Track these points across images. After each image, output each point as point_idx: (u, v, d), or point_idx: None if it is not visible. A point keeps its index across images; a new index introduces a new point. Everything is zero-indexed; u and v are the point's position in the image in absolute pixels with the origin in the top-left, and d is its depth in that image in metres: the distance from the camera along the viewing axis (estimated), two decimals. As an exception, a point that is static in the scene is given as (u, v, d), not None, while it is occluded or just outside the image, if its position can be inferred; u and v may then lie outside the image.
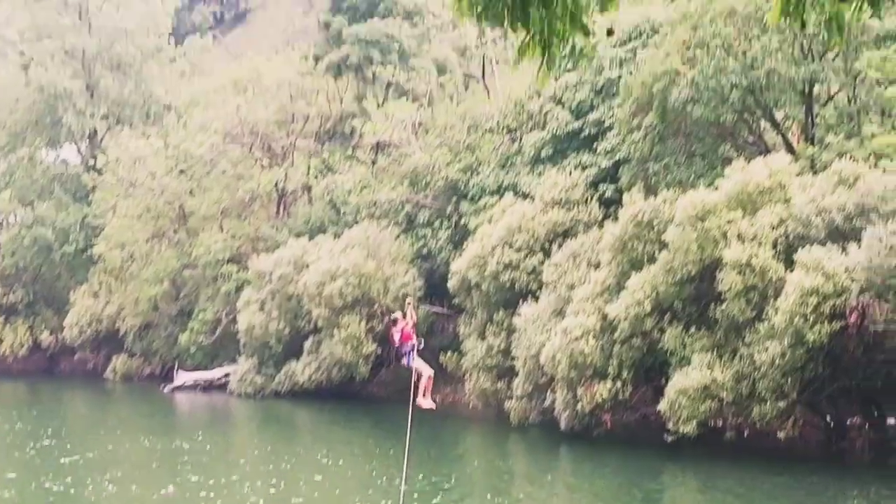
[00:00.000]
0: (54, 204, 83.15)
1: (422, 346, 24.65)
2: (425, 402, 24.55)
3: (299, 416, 54.40)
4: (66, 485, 34.11)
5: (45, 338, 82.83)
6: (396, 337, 24.41)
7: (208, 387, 65.91)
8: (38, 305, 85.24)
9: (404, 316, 24.54)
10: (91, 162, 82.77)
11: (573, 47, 10.70)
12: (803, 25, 10.74)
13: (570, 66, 49.06)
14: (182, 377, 67.32)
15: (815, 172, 37.24)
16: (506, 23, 10.14)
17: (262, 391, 60.29)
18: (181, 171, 73.06)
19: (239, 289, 63.84)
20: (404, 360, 24.70)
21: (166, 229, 73.76)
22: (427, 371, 24.56)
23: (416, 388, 24.38)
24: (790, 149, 40.81)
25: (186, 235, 71.88)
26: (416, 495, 25.88)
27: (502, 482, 35.28)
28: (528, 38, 10.28)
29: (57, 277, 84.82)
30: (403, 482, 22.56)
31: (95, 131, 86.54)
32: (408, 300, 25.66)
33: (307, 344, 58.11)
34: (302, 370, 57.67)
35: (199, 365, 68.83)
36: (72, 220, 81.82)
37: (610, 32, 44.59)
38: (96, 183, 77.34)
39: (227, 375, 64.72)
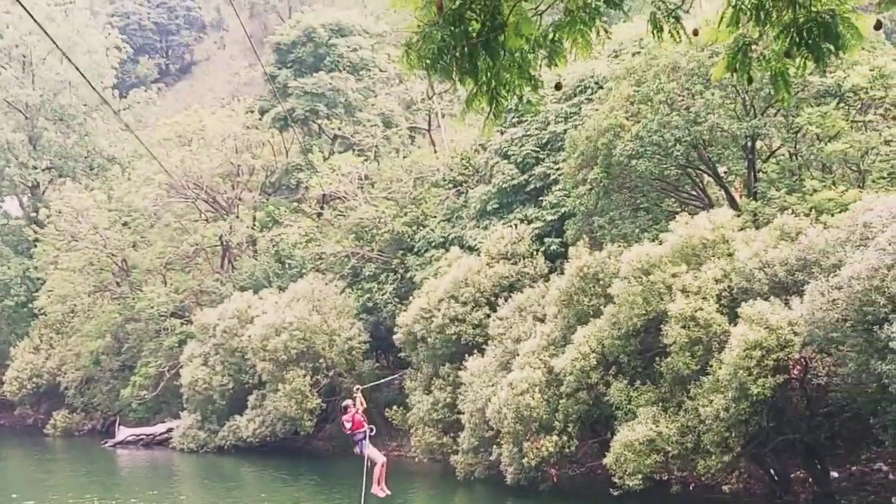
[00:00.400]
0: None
1: (373, 433, 24.60)
2: (380, 492, 24.48)
3: (244, 472, 53.70)
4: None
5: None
6: (347, 425, 24.41)
7: (150, 442, 65.03)
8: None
9: (354, 403, 24.55)
10: (33, 215, 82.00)
11: (520, 98, 10.76)
12: (750, 80, 10.87)
13: (515, 120, 49.47)
14: (124, 433, 66.39)
15: (757, 227, 37.59)
16: (454, 74, 10.18)
17: (206, 446, 59.56)
18: (124, 224, 72.57)
19: (182, 343, 63.22)
20: (356, 449, 24.72)
21: (109, 282, 72.96)
22: (380, 459, 24.56)
23: (377, 478, 24.34)
24: (733, 203, 41.20)
25: (129, 289, 71.17)
26: (371, 427, 25.53)
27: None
28: (475, 89, 10.33)
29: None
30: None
31: (38, 184, 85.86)
32: (356, 388, 25.63)
33: (251, 398, 57.55)
34: (246, 425, 57.04)
35: (142, 420, 67.99)
36: (13, 273, 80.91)
37: (558, 87, 45.17)
38: (38, 235, 76.59)
39: (169, 430, 63.91)
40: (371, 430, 24.85)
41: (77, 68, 16.45)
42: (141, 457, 61.52)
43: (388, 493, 24.86)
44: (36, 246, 78.05)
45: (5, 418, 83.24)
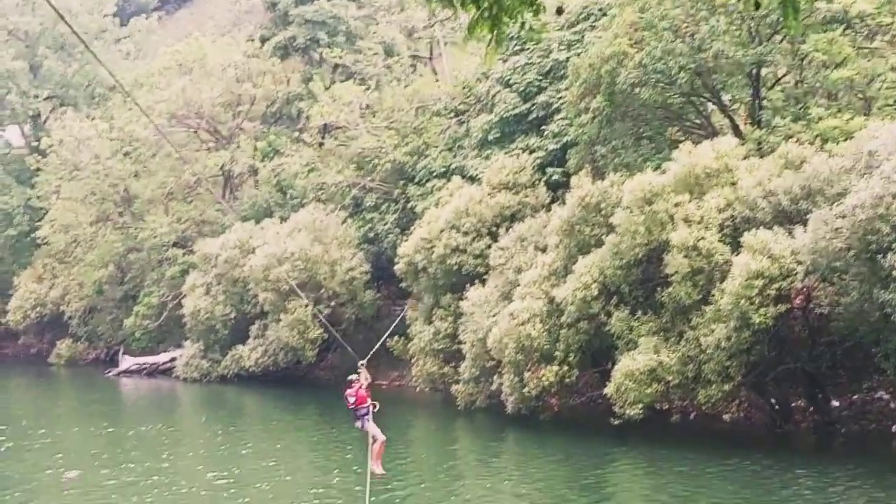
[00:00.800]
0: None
1: (376, 409, 24.58)
2: (377, 469, 24.50)
3: (247, 401, 53.92)
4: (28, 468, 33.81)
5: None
6: (351, 400, 24.36)
7: (154, 371, 65.26)
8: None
9: (359, 378, 24.49)
10: (35, 144, 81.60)
11: (522, 25, 10.43)
12: (757, 6, 10.54)
13: (517, 48, 48.89)
14: (127, 362, 66.61)
15: (761, 155, 37.21)
16: (455, 0, 9.89)
17: (209, 375, 59.72)
18: (126, 154, 72.08)
19: (184, 273, 63.16)
20: (358, 424, 24.69)
21: (111, 212, 72.74)
22: (380, 437, 24.54)
23: (373, 456, 24.40)
24: (737, 132, 40.76)
25: (131, 219, 70.99)
26: (362, 478, 25.44)
27: (451, 466, 35.06)
28: (477, 15, 10.04)
29: (0, 261, 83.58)
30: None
31: (39, 113, 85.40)
32: (360, 363, 25.49)
33: (253, 328, 57.58)
34: (248, 354, 57.12)
35: (145, 349, 68.17)
36: (15, 202, 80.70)
37: (560, 11, 44.46)
38: (40, 165, 76.31)
39: (172, 360, 64.08)
40: (374, 406, 24.85)
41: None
42: (145, 386, 61.78)
43: (384, 473, 24.89)
44: (38, 175, 77.78)
45: (9, 348, 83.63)
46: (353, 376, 24.94)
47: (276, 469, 34.34)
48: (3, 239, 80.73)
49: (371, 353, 27.70)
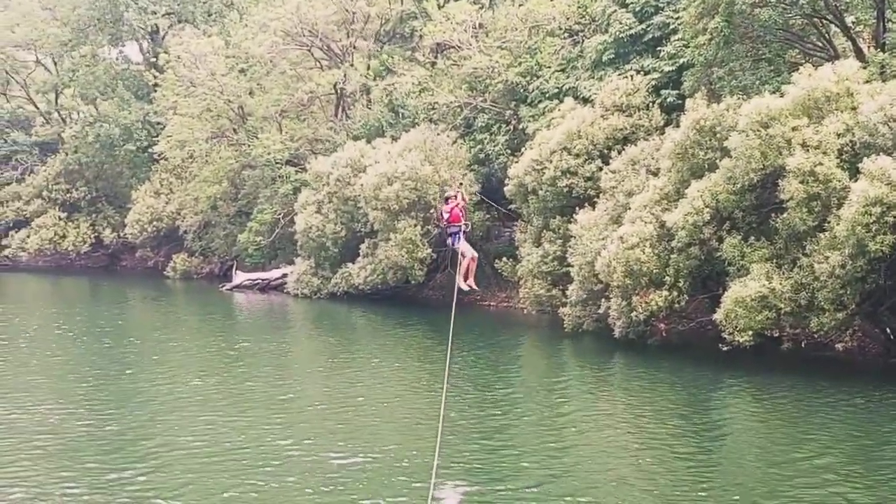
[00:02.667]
0: (117, 101, 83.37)
1: (468, 228, 24.40)
2: (465, 285, 24.41)
3: (356, 318, 54.56)
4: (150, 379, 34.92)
5: (107, 234, 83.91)
6: (445, 216, 24.20)
7: (265, 287, 66.37)
8: (101, 202, 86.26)
9: (456, 196, 24.26)
10: (153, 60, 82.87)
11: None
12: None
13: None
14: (240, 277, 67.86)
15: (884, 80, 36.04)
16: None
17: (319, 292, 60.56)
18: (241, 71, 72.90)
19: (297, 190, 63.86)
20: (449, 241, 24.59)
21: (226, 129, 73.72)
22: (471, 253, 24.41)
23: (465, 272, 24.23)
24: (860, 55, 39.53)
25: (246, 136, 71.81)
26: (468, 398, 25.80)
27: (556, 387, 35.18)
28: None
29: (119, 175, 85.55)
30: (446, 380, 22.34)
31: (157, 29, 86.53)
32: (459, 182, 25.21)
33: (363, 247, 58.10)
34: (358, 272, 57.72)
35: (257, 265, 69.34)
36: (133, 117, 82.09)
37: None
38: (158, 81, 77.48)
39: (284, 276, 65.10)
40: (467, 226, 24.72)
41: None
42: (257, 301, 62.91)
43: (475, 287, 24.89)
44: (155, 91, 79.04)
45: (127, 260, 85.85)
46: (451, 192, 24.86)
47: (385, 385, 34.83)
48: (123, 153, 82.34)
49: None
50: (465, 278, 24.79)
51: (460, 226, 24.49)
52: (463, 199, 24.93)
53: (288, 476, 22.60)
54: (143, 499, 20.79)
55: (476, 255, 25.01)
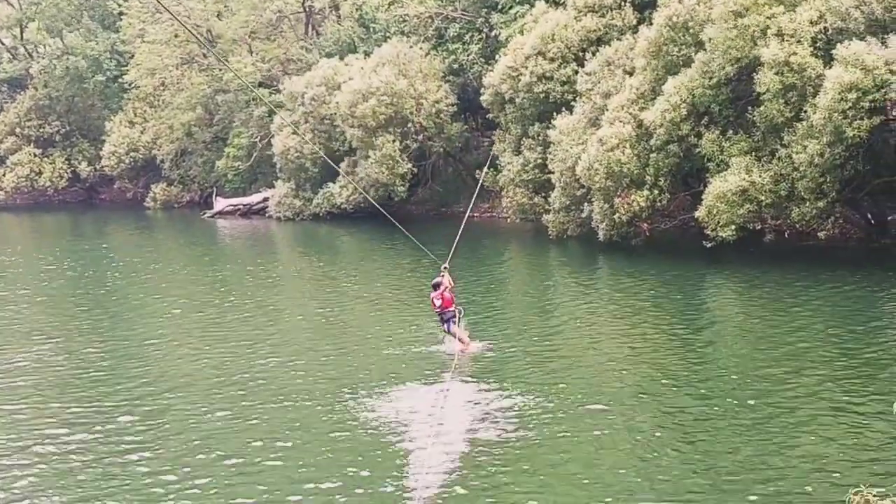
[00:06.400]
0: (83, 32, 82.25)
1: (462, 314, 24.76)
2: (458, 347, 24.86)
3: (341, 238, 54.52)
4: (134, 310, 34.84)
5: (84, 168, 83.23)
6: (437, 303, 24.54)
7: (247, 212, 66.27)
8: (75, 136, 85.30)
9: (443, 282, 24.66)
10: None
11: None
12: None
13: None
14: (221, 203, 67.68)
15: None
16: None
17: (301, 214, 60.54)
18: (207, -7, 71.96)
19: (272, 112, 63.47)
20: (445, 327, 24.89)
21: (196, 54, 72.95)
22: (466, 341, 24.94)
23: (457, 344, 24.67)
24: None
25: (216, 60, 71.13)
26: (459, 308, 25.88)
27: (545, 290, 35.40)
28: None
29: (91, 107, 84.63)
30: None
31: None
32: (443, 266, 25.58)
33: (343, 165, 57.91)
34: (339, 192, 57.62)
35: (237, 190, 69.16)
36: (101, 48, 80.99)
37: None
38: (123, 9, 76.41)
39: (265, 200, 64.97)
40: (460, 311, 25.10)
41: None
42: (240, 226, 62.82)
43: (467, 349, 25.12)
44: (121, 19, 78.03)
45: (106, 193, 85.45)
46: (438, 279, 25.20)
47: (373, 304, 34.95)
48: (93, 85, 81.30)
49: (450, 255, 27.73)
50: (461, 345, 25.10)
51: (453, 311, 24.81)
52: (450, 283, 25.20)
53: (273, 400, 22.40)
54: (129, 432, 20.73)
55: (470, 344, 25.26)
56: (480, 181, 46.96)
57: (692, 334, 26.99)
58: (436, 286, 25.18)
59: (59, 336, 30.94)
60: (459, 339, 25.04)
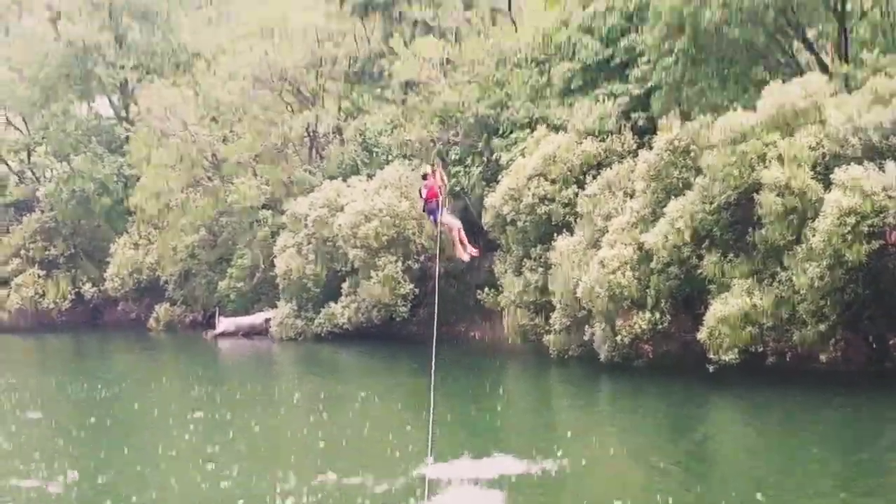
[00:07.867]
0: (90, 156, 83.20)
1: (447, 205, 24.38)
2: (465, 255, 24.49)
3: (343, 358, 54.53)
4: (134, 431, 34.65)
5: (88, 289, 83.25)
6: (423, 192, 24.16)
7: (250, 332, 66.17)
8: (79, 258, 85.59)
9: (433, 173, 24.26)
10: (123, 113, 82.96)
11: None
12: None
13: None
14: (224, 324, 67.63)
15: (850, 91, 36.55)
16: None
17: (303, 334, 60.48)
18: (212, 119, 73.04)
19: (275, 234, 63.97)
20: (431, 218, 24.51)
21: (201, 177, 73.75)
22: (456, 224, 24.43)
23: (457, 243, 24.17)
24: (824, 68, 40.05)
25: (221, 183, 71.86)
26: (457, 428, 25.81)
27: (545, 413, 35.30)
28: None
29: (96, 229, 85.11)
30: (431, 412, 22.34)
31: (126, 82, 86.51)
32: (434, 161, 25.32)
33: (345, 286, 58.16)
34: (341, 312, 57.80)
35: (239, 310, 69.21)
36: (108, 171, 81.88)
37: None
38: (130, 133, 77.54)
39: (267, 320, 64.99)
40: (447, 201, 24.73)
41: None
42: (242, 347, 62.78)
43: (475, 252, 24.87)
44: (128, 143, 79.08)
45: (110, 314, 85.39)
46: (427, 169, 24.82)
47: (372, 423, 34.81)
48: (99, 207, 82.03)
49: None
50: (463, 249, 24.86)
51: (439, 200, 24.46)
52: (442, 180, 24.84)
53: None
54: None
55: (460, 224, 25.05)
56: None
57: (694, 462, 26.89)
58: (425, 176, 24.73)
59: (57, 458, 30.77)
60: (448, 227, 24.69)
